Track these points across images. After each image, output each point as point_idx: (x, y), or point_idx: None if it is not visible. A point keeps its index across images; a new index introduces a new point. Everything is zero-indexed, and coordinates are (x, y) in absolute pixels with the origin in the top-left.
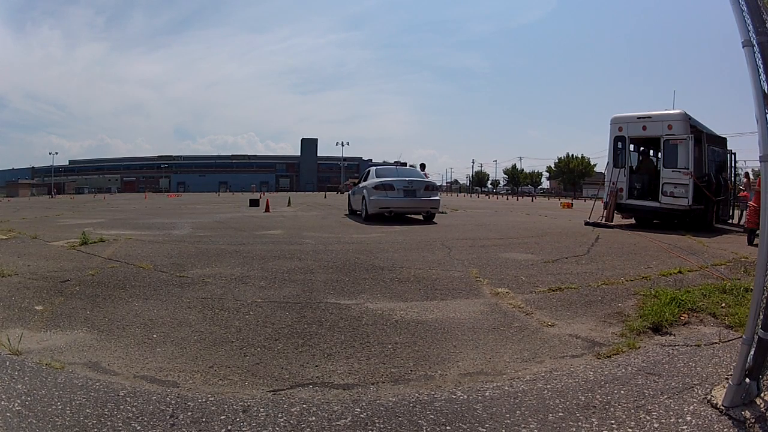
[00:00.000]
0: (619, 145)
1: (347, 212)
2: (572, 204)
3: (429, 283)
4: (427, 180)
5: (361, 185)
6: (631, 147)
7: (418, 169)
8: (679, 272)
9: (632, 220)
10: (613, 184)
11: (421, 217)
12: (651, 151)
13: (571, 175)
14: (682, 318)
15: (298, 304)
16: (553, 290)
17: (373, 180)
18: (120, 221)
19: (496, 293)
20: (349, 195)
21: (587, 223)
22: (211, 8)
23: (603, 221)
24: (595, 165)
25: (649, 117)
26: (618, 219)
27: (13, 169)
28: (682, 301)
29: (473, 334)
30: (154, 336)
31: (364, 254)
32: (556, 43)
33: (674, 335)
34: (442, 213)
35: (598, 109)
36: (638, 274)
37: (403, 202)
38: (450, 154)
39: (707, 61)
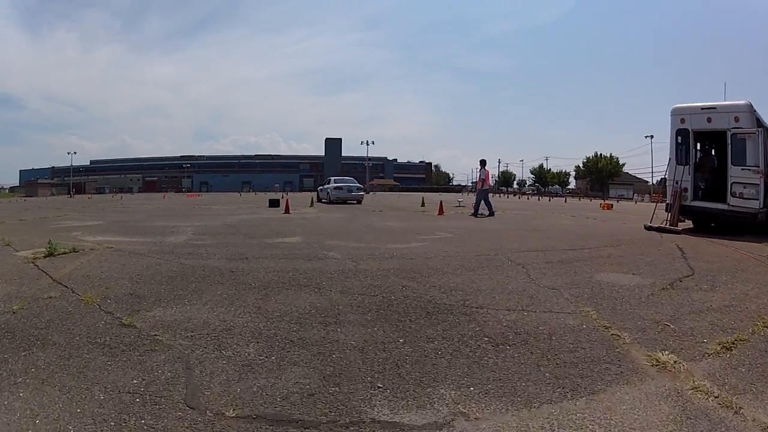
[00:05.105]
0: (679, 139)
1: (316, 200)
2: (612, 205)
3: (543, 346)
4: (357, 184)
5: (326, 186)
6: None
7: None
8: None
9: (687, 224)
10: (677, 183)
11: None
12: (708, 146)
13: (600, 175)
14: None
15: (311, 422)
16: (726, 348)
17: (333, 184)
18: (118, 224)
19: (659, 363)
20: (318, 190)
21: (650, 228)
22: (227, 10)
23: (667, 225)
24: (623, 165)
25: (714, 108)
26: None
27: (33, 169)
28: None
29: None
30: None
31: (413, 278)
32: (577, 41)
33: None
34: (481, 215)
35: (624, 107)
36: None
37: (347, 195)
38: (473, 154)
39: (742, 53)
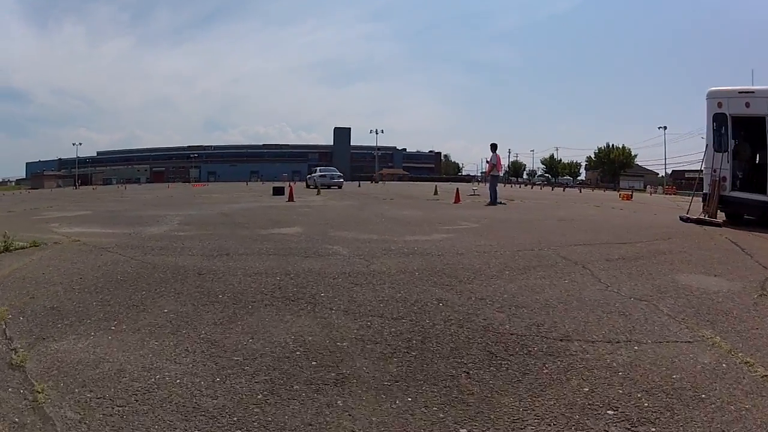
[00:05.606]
0: (715, 125)
1: (306, 186)
2: (631, 196)
3: (701, 419)
4: (338, 173)
5: (314, 174)
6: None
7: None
8: None
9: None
10: (715, 171)
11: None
12: (743, 133)
13: (612, 166)
14: None
15: None
16: None
17: (318, 173)
18: (105, 214)
19: None
20: (307, 178)
21: (687, 220)
22: (235, 2)
23: (706, 217)
24: (635, 156)
25: (752, 92)
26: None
27: (40, 161)
28: None
29: None
30: None
31: (449, 286)
32: (588, 32)
33: None
34: (501, 204)
35: (636, 98)
36: None
37: (330, 181)
38: (483, 144)
39: (759, 47)
